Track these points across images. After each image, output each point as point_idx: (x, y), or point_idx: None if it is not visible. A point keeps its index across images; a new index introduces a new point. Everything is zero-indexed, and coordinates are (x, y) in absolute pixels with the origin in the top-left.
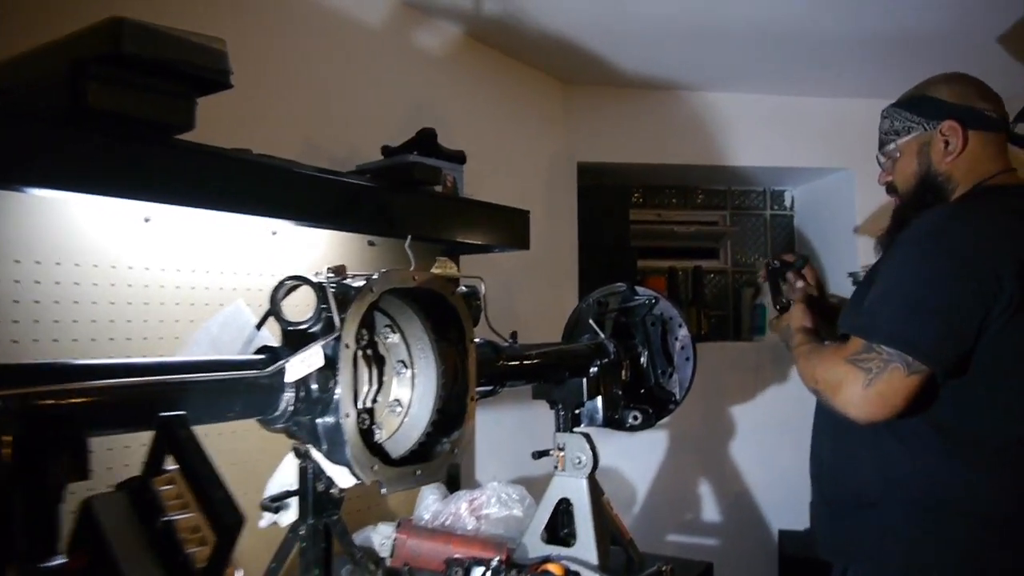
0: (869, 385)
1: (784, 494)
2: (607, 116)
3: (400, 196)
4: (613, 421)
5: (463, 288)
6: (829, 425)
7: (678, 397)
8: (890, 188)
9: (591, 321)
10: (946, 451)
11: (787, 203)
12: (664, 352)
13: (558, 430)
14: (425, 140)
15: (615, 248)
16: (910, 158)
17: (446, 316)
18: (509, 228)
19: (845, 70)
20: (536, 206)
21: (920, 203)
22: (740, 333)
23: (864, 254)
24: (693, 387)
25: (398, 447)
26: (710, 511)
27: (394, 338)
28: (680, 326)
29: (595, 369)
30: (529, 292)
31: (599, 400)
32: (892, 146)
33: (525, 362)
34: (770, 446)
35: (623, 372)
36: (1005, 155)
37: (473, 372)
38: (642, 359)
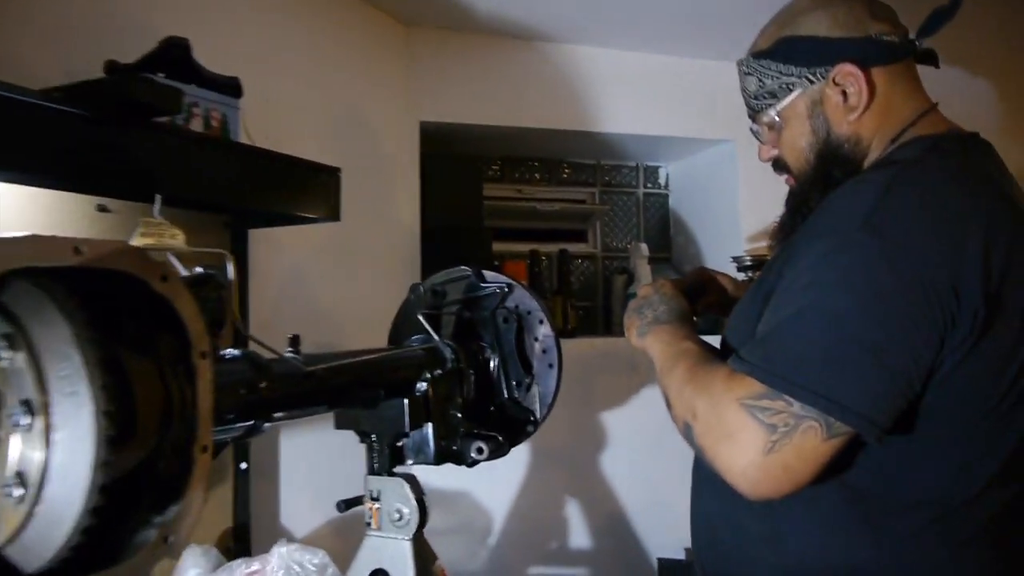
0: (771, 451)
1: (663, 515)
2: (457, 68)
3: (130, 135)
4: (449, 454)
5: (195, 270)
6: (710, 476)
7: (538, 416)
8: (777, 164)
9: (420, 317)
10: (866, 527)
11: (662, 180)
12: (520, 356)
13: (371, 472)
14: (172, 55)
15: (466, 228)
16: (799, 125)
17: (163, 317)
18: (308, 190)
19: (727, 28)
20: (366, 173)
21: (823, 181)
22: (611, 327)
23: (750, 236)
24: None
25: (32, 554)
26: (579, 537)
27: (14, 359)
28: (541, 322)
29: (424, 385)
30: (350, 284)
31: (429, 428)
32: (771, 114)
33: (307, 382)
34: (647, 459)
35: (465, 386)
36: (920, 87)
37: (206, 405)
38: (492, 366)
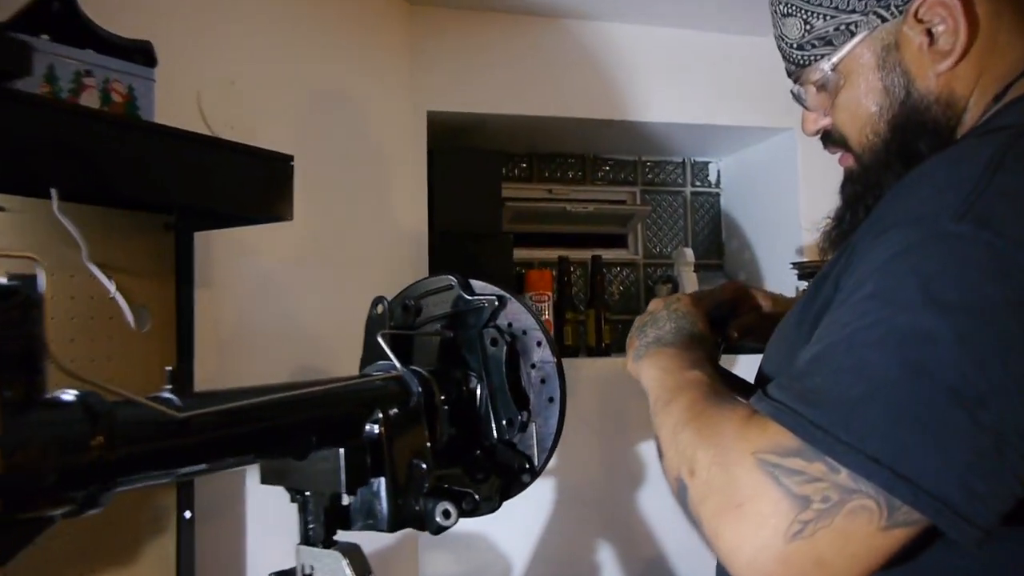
0: (799, 535)
1: (710, 563)
2: (469, 50)
3: None
4: (409, 517)
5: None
6: None
7: (535, 462)
8: (829, 139)
9: (380, 339)
10: None
11: (712, 177)
12: (514, 388)
13: (304, 540)
14: (54, 10)
15: (482, 233)
16: (864, 82)
17: None
18: (250, 183)
19: None
20: (362, 170)
21: (902, 159)
22: None
23: (811, 240)
24: (589, 419)
25: None
26: None
27: None
28: (539, 344)
29: (375, 427)
30: (340, 298)
31: (382, 484)
32: (823, 68)
33: (176, 434)
34: None
35: (438, 427)
36: None
37: None
38: (478, 401)
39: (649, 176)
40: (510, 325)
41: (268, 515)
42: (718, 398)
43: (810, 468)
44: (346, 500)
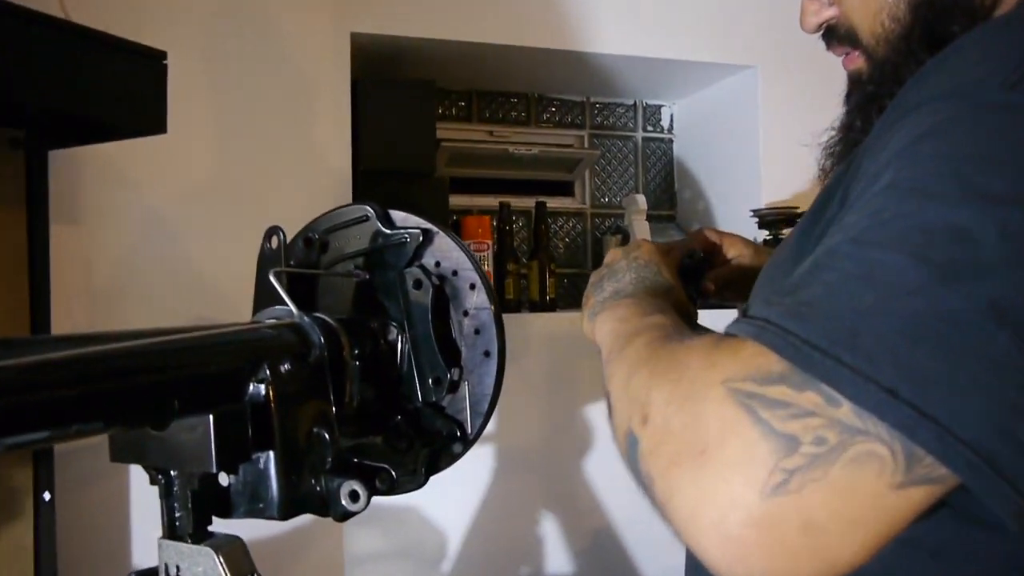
0: (781, 488)
1: (661, 533)
2: None
3: None
4: (307, 500)
5: None
6: None
7: (468, 428)
8: (835, 33)
9: (272, 277)
10: None
11: (664, 122)
12: (442, 340)
13: (167, 534)
14: None
15: (413, 174)
16: None
17: None
18: (109, 83)
19: None
20: (272, 97)
21: (929, 43)
22: None
23: (771, 189)
24: (532, 380)
25: None
26: (557, 560)
27: None
28: (473, 287)
29: (262, 387)
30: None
31: (271, 459)
32: None
33: None
34: None
35: (346, 387)
36: None
37: None
38: (399, 355)
39: (598, 119)
40: (438, 265)
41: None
42: (681, 334)
43: (799, 399)
44: (225, 480)
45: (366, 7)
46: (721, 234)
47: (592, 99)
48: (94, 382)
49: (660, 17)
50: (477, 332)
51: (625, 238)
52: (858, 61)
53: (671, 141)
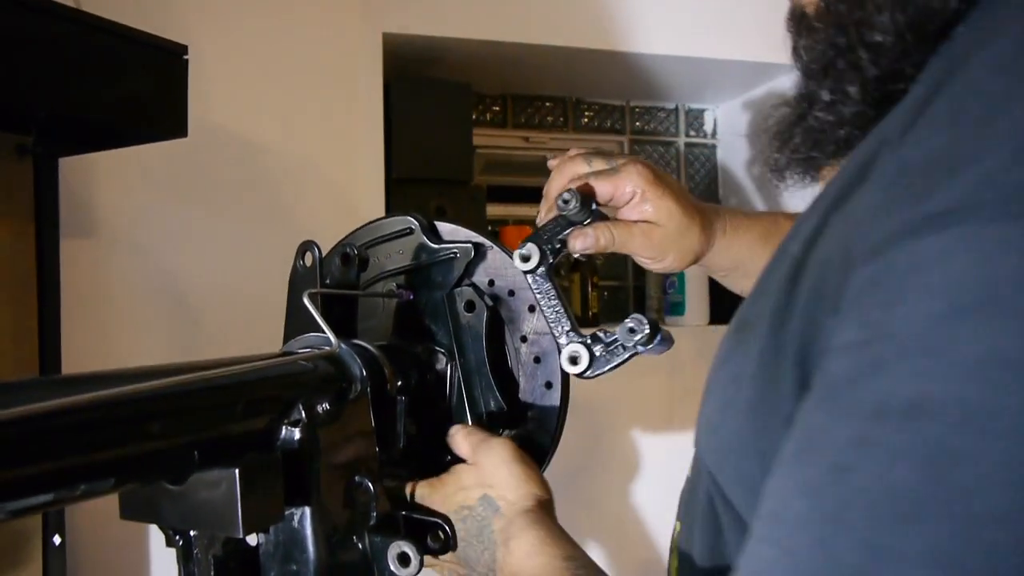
0: None
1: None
2: None
3: None
4: (345, 566)
5: None
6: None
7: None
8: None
9: (307, 300)
10: None
11: (708, 127)
12: (496, 368)
13: None
14: None
15: (449, 182)
16: None
17: None
18: (126, 82)
19: None
20: (299, 101)
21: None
22: (644, 313)
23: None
24: (574, 400)
25: None
26: None
27: None
28: (532, 310)
29: (296, 432)
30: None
31: (307, 517)
32: None
33: None
34: None
35: (393, 428)
36: None
37: None
38: (448, 387)
39: (638, 124)
40: (491, 284)
41: None
42: None
43: None
44: (253, 540)
45: (398, 6)
46: (599, 183)
47: (632, 103)
48: (102, 434)
49: (703, 14)
50: (537, 360)
51: None
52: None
53: (714, 147)
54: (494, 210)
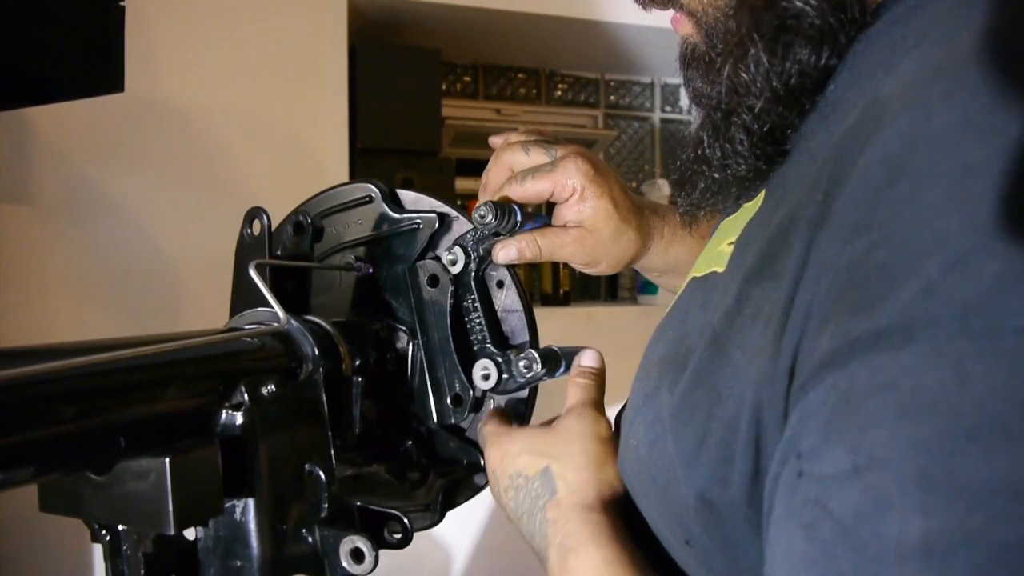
0: None
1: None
2: None
3: None
4: (294, 561)
5: None
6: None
7: None
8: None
9: (252, 272)
10: None
11: (684, 102)
12: (461, 348)
13: None
14: None
15: (417, 153)
16: None
17: None
18: (53, 30)
19: None
20: (261, 66)
21: (771, 31)
22: (617, 292)
23: None
24: (539, 384)
25: None
26: None
27: None
28: (500, 285)
29: (239, 417)
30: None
31: (250, 509)
32: None
33: None
34: None
35: (347, 412)
36: None
37: None
38: (409, 367)
39: (613, 98)
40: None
41: None
42: None
43: None
44: (191, 534)
45: None
46: (535, 183)
47: (607, 76)
48: (16, 416)
49: None
50: (506, 339)
51: None
52: (686, 24)
53: (690, 123)
54: (464, 183)
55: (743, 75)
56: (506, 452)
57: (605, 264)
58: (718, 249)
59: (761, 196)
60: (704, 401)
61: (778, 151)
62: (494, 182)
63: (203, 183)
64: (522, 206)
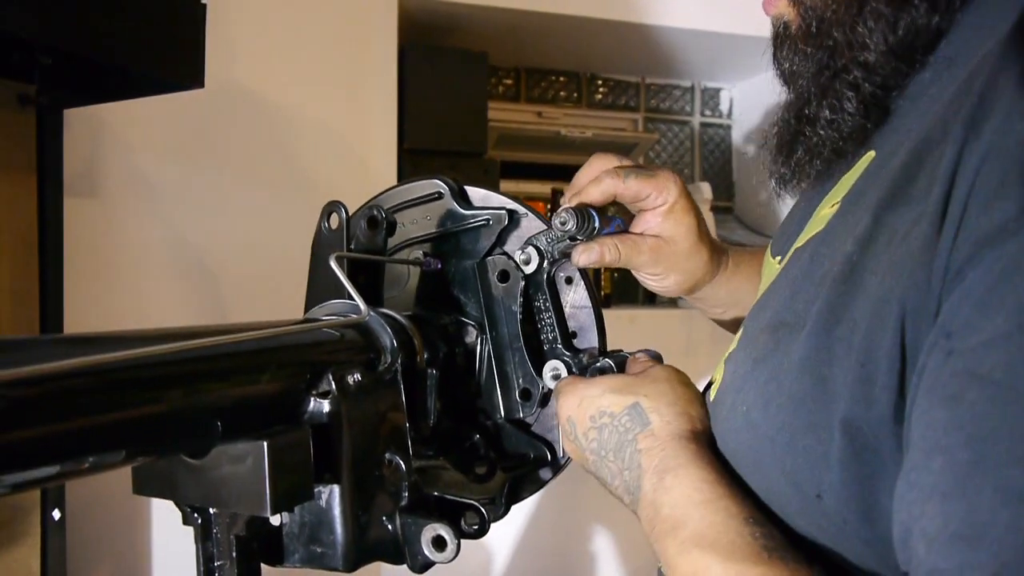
0: None
1: None
2: None
3: None
4: (377, 548)
5: None
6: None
7: (560, 452)
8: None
9: (334, 264)
10: None
11: (723, 107)
12: (531, 343)
13: None
14: None
15: (463, 154)
16: None
17: None
18: (137, 27)
19: None
20: (313, 66)
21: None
22: (656, 295)
23: None
24: None
25: None
26: None
27: None
28: (570, 281)
29: (326, 405)
30: (282, 225)
31: (335, 495)
32: None
33: None
34: None
35: (424, 403)
36: None
37: None
38: (478, 362)
39: (653, 102)
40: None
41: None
42: None
43: None
44: (277, 519)
45: None
46: (638, 184)
47: (647, 80)
48: (114, 399)
49: None
50: (574, 335)
51: None
52: (780, 4)
53: (730, 127)
54: (506, 185)
55: (859, 29)
56: (584, 396)
57: (674, 279)
58: (819, 215)
59: (867, 157)
60: (842, 335)
61: (885, 109)
62: (583, 181)
63: (265, 177)
64: (600, 212)
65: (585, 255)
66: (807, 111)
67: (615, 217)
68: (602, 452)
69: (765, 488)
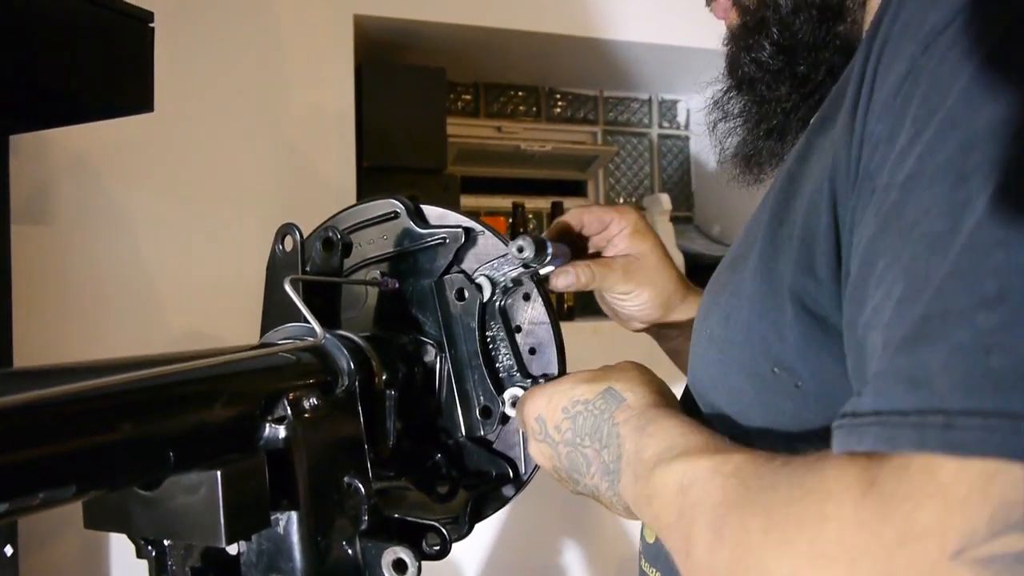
0: None
1: None
2: None
3: None
4: (339, 571)
5: None
6: None
7: (522, 468)
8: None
9: (288, 286)
10: None
11: (681, 118)
12: (490, 360)
13: None
14: None
15: (422, 171)
16: None
17: None
18: (85, 50)
19: None
20: (268, 85)
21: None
22: None
23: None
24: None
25: None
26: None
27: None
28: (528, 298)
29: (281, 431)
30: (234, 247)
31: (292, 520)
32: None
33: None
34: None
35: (382, 426)
36: None
37: None
38: (437, 381)
39: (611, 115)
40: (488, 270)
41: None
42: (763, 467)
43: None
44: (233, 549)
45: None
46: (600, 211)
47: (605, 93)
48: (64, 433)
49: (677, 1)
50: (532, 352)
51: None
52: (728, 8)
53: (687, 139)
54: (466, 201)
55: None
56: (554, 392)
57: (648, 295)
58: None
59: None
60: (786, 233)
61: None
62: (558, 227)
63: (218, 200)
64: (555, 244)
65: (562, 279)
66: (759, 89)
67: (561, 255)
68: (577, 440)
69: (727, 402)
